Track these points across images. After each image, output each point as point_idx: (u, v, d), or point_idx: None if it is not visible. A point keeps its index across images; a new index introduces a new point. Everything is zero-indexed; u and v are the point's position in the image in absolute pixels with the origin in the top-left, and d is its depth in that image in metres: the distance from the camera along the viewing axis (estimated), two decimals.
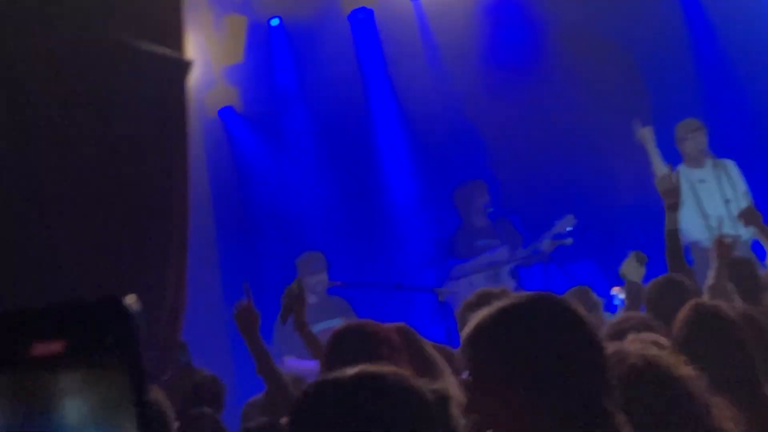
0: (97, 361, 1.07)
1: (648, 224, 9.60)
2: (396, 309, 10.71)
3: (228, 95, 11.19)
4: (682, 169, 9.49)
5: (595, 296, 7.20)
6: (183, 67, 6.49)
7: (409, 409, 2.24)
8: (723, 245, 5.99)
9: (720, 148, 9.80)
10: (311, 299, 9.36)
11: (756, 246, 9.23)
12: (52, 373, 1.07)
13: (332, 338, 4.16)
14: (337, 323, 9.29)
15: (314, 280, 9.27)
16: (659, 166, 9.26)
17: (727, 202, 9.28)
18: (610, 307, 7.48)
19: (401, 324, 4.49)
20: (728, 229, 9.00)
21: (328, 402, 2.27)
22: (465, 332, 2.45)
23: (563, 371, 2.30)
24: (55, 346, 1.06)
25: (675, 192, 6.29)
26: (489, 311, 2.43)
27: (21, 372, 1.08)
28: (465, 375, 2.43)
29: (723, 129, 10.93)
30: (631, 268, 6.76)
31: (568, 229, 9.82)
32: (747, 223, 6.34)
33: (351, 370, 2.32)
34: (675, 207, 6.23)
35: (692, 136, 9.41)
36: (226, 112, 11.22)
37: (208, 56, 10.68)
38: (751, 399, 3.57)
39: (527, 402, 2.28)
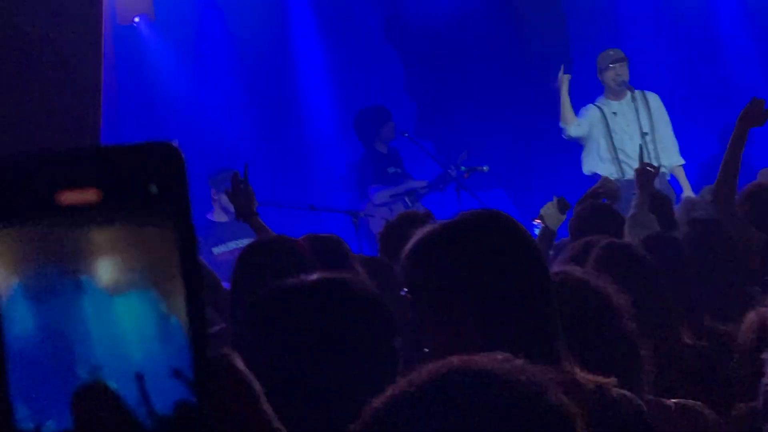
0: (139, 215, 0.89)
1: (561, 160, 9.61)
2: (308, 230, 10.58)
3: (141, 3, 10.81)
4: (599, 100, 9.48)
5: None
6: None
7: (376, 314, 2.17)
8: (646, 173, 5.95)
9: (643, 82, 9.80)
10: (222, 217, 9.19)
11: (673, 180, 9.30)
12: (85, 227, 0.89)
13: (243, 254, 4.00)
14: (247, 243, 9.20)
15: (227, 198, 9.07)
16: (567, 116, 9.26)
17: (644, 134, 9.28)
18: None
19: (332, 235, 4.40)
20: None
21: (292, 307, 2.20)
22: (407, 248, 2.32)
23: (510, 288, 2.21)
24: (88, 195, 0.88)
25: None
26: (434, 227, 2.32)
27: (49, 224, 0.89)
28: (403, 292, 2.32)
29: (645, 62, 10.98)
30: (552, 213, 6.69)
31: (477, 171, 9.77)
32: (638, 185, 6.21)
33: (311, 277, 2.24)
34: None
35: (612, 66, 9.36)
36: (139, 21, 10.85)
37: None
38: (666, 338, 3.54)
39: (469, 319, 2.18)
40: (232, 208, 9.04)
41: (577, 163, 9.68)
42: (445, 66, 11.82)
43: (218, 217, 9.25)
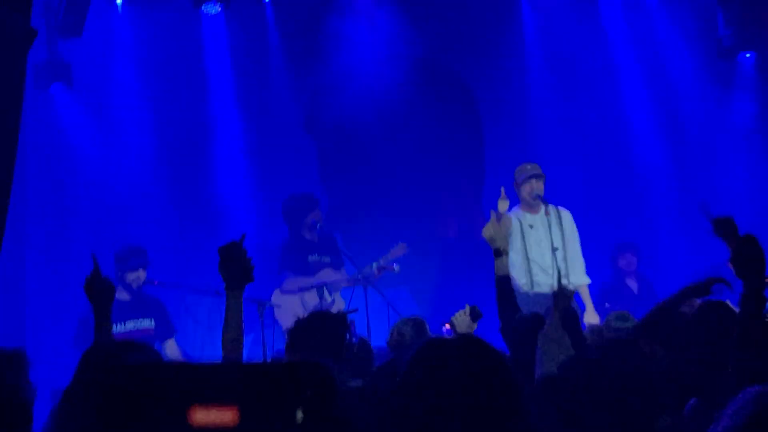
0: None
1: (474, 262, 9.63)
2: (211, 313, 10.44)
3: (60, 70, 10.64)
4: (515, 211, 9.54)
5: (428, 331, 7.13)
6: (27, 34, 6.08)
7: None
8: (563, 296, 5.94)
9: (556, 196, 9.91)
10: (124, 296, 8.99)
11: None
12: None
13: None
14: (147, 324, 9.02)
15: (132, 276, 8.91)
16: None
17: (554, 250, 9.37)
18: None
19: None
20: (553, 277, 9.11)
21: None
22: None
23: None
24: (225, 415, 0.75)
25: (499, 238, 6.17)
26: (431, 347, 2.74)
27: None
28: None
29: (560, 174, 11.15)
30: (463, 321, 6.68)
31: (397, 257, 9.78)
32: (555, 305, 6.20)
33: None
34: (499, 252, 6.12)
35: (529, 181, 9.44)
36: (56, 88, 10.66)
37: (43, 25, 10.16)
38: None
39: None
40: (135, 286, 8.93)
41: (489, 267, 9.67)
42: (360, 162, 11.85)
43: (120, 295, 9.01)
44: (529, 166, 9.52)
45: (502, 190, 8.67)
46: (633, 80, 12.10)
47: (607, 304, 10.32)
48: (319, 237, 10.32)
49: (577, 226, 9.61)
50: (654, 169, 12.12)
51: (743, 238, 4.08)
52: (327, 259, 10.26)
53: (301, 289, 9.99)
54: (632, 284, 11.08)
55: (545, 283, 9.34)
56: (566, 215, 9.60)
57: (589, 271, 9.81)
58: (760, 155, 11.84)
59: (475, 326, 6.71)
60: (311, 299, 10.00)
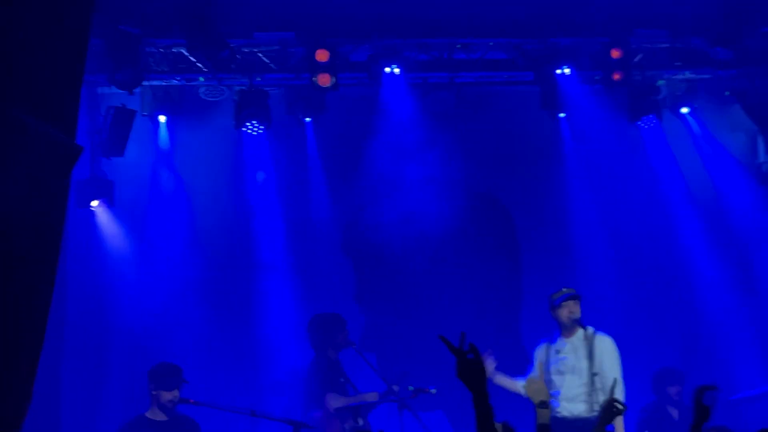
0: None
1: (507, 391, 9.51)
2: None
3: (102, 188, 10.78)
4: (554, 335, 9.47)
5: None
6: (72, 152, 6.15)
7: None
8: (613, 410, 5.82)
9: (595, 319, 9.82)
10: (160, 416, 8.91)
11: None
12: None
13: None
14: None
15: (167, 396, 8.83)
16: (517, 388, 9.23)
17: (594, 375, 9.25)
18: None
19: None
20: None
21: None
22: None
23: None
24: None
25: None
26: None
27: None
28: None
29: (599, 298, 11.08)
30: None
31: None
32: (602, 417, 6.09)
33: None
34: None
35: (566, 304, 9.38)
36: (97, 205, 10.77)
37: (88, 144, 10.33)
38: None
39: None
40: (170, 406, 8.86)
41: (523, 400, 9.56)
42: (396, 284, 11.82)
43: (154, 414, 8.96)
44: (565, 289, 9.48)
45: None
46: (675, 202, 12.06)
47: (647, 431, 10.14)
48: (337, 359, 10.29)
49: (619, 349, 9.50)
50: (701, 292, 11.99)
51: None
52: (348, 382, 10.22)
53: (346, 408, 9.88)
54: (673, 412, 10.89)
55: (566, 409, 9.30)
56: (602, 340, 9.48)
57: (629, 395, 9.72)
58: None
59: None
60: (349, 422, 9.93)
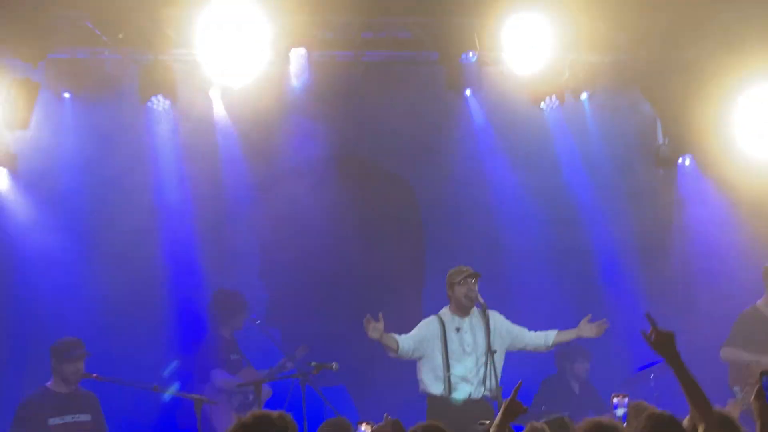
0: None
1: (410, 363, 9.64)
2: (146, 409, 10.36)
3: (6, 160, 10.67)
4: (445, 312, 9.56)
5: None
6: None
7: None
8: (511, 407, 5.88)
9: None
10: (62, 389, 8.92)
11: None
12: None
13: None
14: (85, 418, 8.93)
15: (70, 368, 8.84)
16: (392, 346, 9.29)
17: (492, 352, 9.38)
18: None
19: None
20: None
21: None
22: None
23: None
24: None
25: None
26: None
27: None
28: None
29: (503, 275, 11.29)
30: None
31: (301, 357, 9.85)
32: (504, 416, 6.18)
33: None
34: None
35: (467, 282, 9.47)
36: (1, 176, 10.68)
37: None
38: None
39: None
40: (72, 379, 8.84)
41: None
42: (299, 259, 11.87)
43: (57, 387, 8.96)
44: (465, 268, 9.58)
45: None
46: (577, 184, 12.26)
47: (543, 407, 10.31)
48: (232, 336, 10.40)
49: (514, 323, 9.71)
50: (602, 270, 12.24)
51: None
52: (242, 358, 10.35)
53: (239, 387, 10.00)
54: (575, 386, 11.14)
55: (464, 390, 9.39)
56: (496, 316, 9.65)
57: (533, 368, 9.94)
58: None
59: None
60: (237, 396, 10.08)
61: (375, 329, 9.13)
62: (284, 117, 11.54)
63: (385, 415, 6.80)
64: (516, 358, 9.86)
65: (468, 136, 12.12)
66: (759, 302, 10.49)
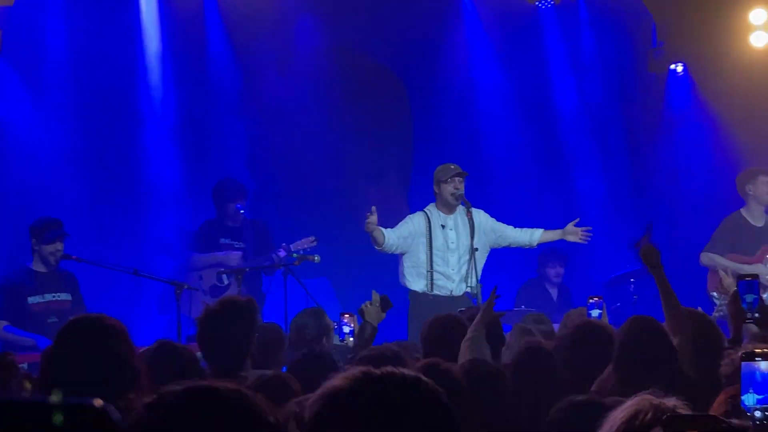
0: None
1: (393, 255, 9.66)
2: (125, 293, 10.38)
3: None
4: (431, 208, 9.56)
5: (328, 320, 7.14)
6: None
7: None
8: (488, 310, 5.95)
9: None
10: (41, 268, 8.93)
11: None
12: None
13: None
14: (65, 297, 8.95)
15: (49, 249, 8.83)
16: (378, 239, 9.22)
17: (475, 250, 9.42)
18: (341, 334, 7.38)
19: None
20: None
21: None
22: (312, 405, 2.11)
23: None
24: None
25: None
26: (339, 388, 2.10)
27: None
28: None
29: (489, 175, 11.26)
30: (372, 310, 6.71)
31: (305, 248, 9.84)
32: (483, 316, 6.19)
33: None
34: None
35: (453, 180, 9.45)
36: None
37: None
38: None
39: None
40: (52, 260, 8.84)
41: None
42: (288, 150, 11.84)
43: (37, 266, 8.97)
44: (452, 166, 9.55)
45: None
46: (566, 87, 12.18)
47: (523, 306, 10.41)
48: (242, 224, 10.37)
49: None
50: (584, 177, 12.21)
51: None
52: (240, 245, 10.32)
53: (202, 267, 10.09)
54: (552, 291, 11.20)
55: (445, 287, 9.42)
56: (480, 214, 9.66)
57: (513, 273, 9.96)
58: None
59: (383, 316, 6.73)
60: (210, 278, 10.14)
61: (369, 222, 9.13)
62: (274, 7, 11.39)
63: (372, 291, 6.83)
64: (498, 260, 9.91)
65: (459, 32, 12.02)
66: (743, 208, 10.51)
